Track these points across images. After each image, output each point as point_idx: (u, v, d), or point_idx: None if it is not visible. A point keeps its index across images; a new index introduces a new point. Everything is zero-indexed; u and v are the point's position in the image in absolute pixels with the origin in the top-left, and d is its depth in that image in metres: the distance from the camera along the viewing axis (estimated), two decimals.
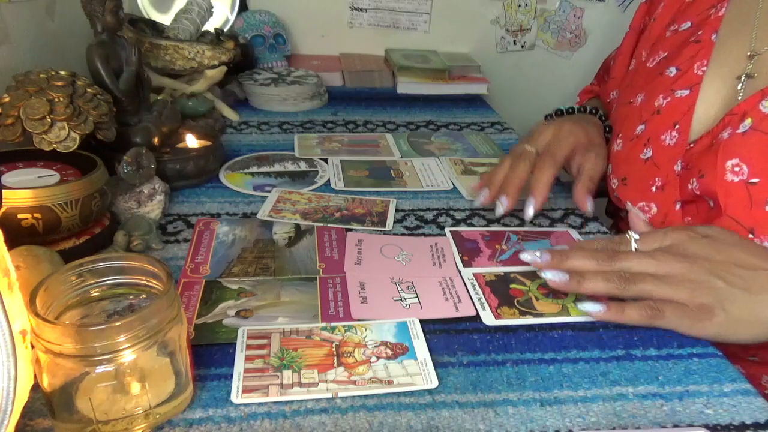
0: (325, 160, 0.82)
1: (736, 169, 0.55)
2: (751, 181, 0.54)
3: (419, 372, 0.44)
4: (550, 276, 0.51)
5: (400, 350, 0.46)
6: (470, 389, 0.43)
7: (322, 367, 0.44)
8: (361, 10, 1.31)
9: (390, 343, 0.47)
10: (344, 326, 0.49)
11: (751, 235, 0.53)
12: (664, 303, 0.48)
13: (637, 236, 0.53)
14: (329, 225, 0.65)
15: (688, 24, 0.68)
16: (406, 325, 0.49)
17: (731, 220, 0.54)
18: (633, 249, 0.52)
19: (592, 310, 0.50)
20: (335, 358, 0.45)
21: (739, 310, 0.47)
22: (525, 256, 0.53)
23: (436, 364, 0.45)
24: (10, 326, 0.30)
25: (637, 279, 0.49)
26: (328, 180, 0.76)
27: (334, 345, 0.47)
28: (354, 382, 0.43)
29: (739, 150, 0.55)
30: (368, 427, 0.40)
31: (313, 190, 0.73)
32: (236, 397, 0.41)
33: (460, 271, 0.58)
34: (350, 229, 0.64)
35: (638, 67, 0.74)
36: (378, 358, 0.45)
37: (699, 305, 0.48)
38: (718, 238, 0.51)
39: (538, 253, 0.53)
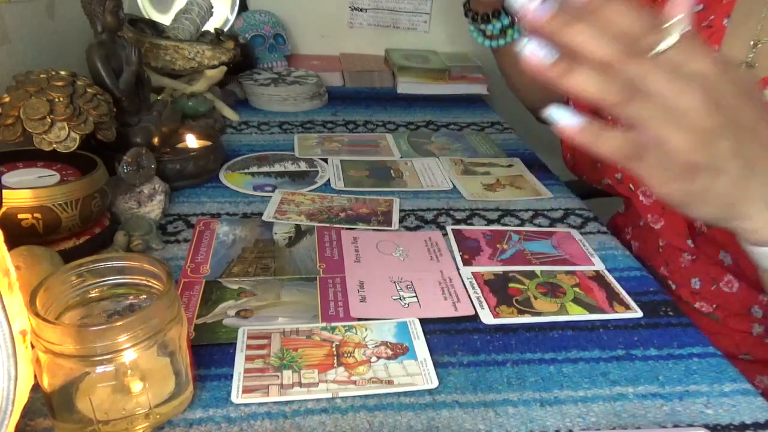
0: (325, 160, 0.82)
1: None
2: None
3: (419, 372, 0.44)
4: (530, 49, 0.36)
5: (400, 350, 0.46)
6: (470, 389, 0.43)
7: (323, 367, 0.44)
8: (361, 10, 1.30)
9: (390, 343, 0.47)
10: (344, 326, 0.49)
11: None
12: (654, 146, 0.36)
13: (681, 32, 0.35)
14: (335, 225, 0.65)
15: (700, 6, 0.66)
16: (406, 325, 0.49)
17: None
18: (663, 48, 0.35)
19: (565, 121, 0.36)
20: (335, 358, 0.45)
21: (727, 185, 0.37)
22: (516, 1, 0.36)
23: (436, 364, 0.45)
24: (10, 326, 0.30)
25: (642, 99, 0.35)
26: (328, 180, 0.76)
27: (334, 345, 0.47)
28: (354, 382, 0.43)
29: None
30: (368, 427, 0.40)
31: (313, 190, 0.73)
32: (236, 397, 0.41)
33: (459, 270, 0.58)
34: (358, 229, 0.64)
35: None
36: (378, 358, 0.45)
37: (688, 162, 0.36)
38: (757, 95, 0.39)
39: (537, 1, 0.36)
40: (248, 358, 0.45)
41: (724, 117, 0.36)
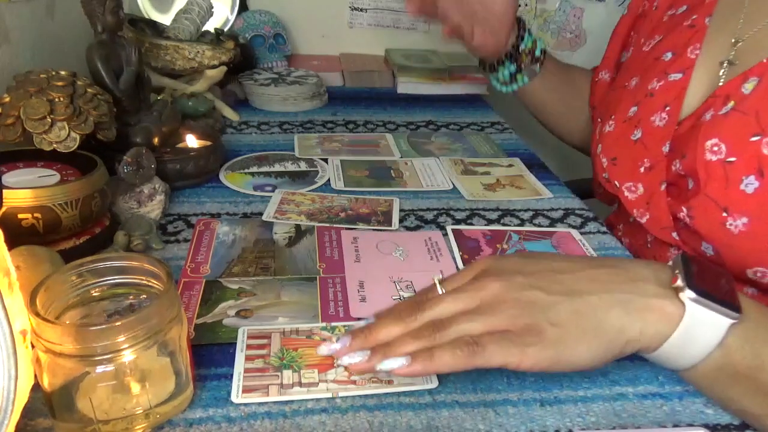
0: (325, 160, 0.82)
1: (715, 148, 0.55)
2: (728, 160, 0.55)
3: None
4: (346, 361, 0.41)
5: None
6: (470, 389, 0.43)
7: (323, 367, 0.44)
8: (361, 10, 1.31)
9: None
10: (344, 326, 0.49)
11: (725, 214, 0.54)
12: (483, 336, 0.40)
13: (439, 277, 0.46)
14: (335, 225, 0.65)
15: (684, 7, 0.69)
16: None
17: (708, 199, 0.55)
18: (440, 293, 0.44)
19: (394, 366, 0.39)
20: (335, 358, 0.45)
21: (568, 317, 0.40)
22: (322, 350, 0.42)
23: None
24: (10, 326, 0.30)
25: (450, 322, 0.41)
26: (328, 180, 0.76)
27: None
28: (354, 382, 0.43)
29: (718, 130, 0.56)
30: (368, 426, 0.40)
31: (313, 190, 0.73)
32: (236, 396, 0.41)
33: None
34: (358, 229, 0.64)
35: (636, 53, 0.74)
36: None
37: (523, 327, 0.40)
38: (528, 254, 0.48)
39: (335, 340, 0.42)
40: (248, 358, 0.45)
41: (517, 277, 0.42)
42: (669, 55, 0.66)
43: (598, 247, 0.63)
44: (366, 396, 0.42)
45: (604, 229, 0.68)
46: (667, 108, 0.63)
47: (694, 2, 0.68)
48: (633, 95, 0.68)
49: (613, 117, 0.70)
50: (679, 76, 0.63)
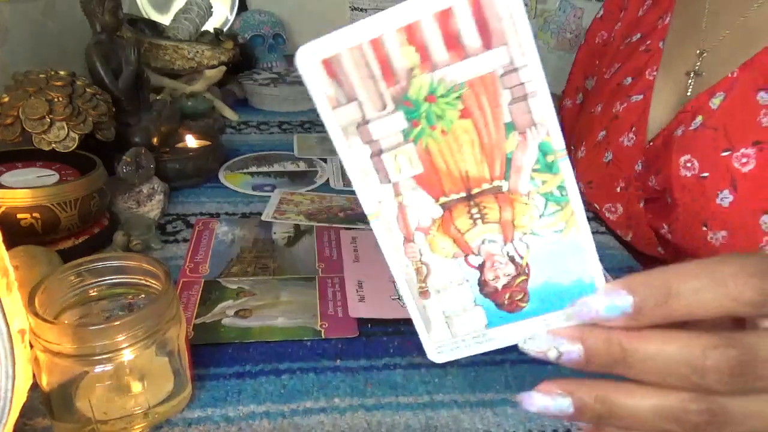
0: (325, 160, 0.82)
1: (688, 164, 0.57)
2: (702, 175, 0.56)
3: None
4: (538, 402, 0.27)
5: None
6: (469, 389, 0.43)
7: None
8: (361, 10, 1.31)
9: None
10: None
11: (705, 228, 0.55)
12: None
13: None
14: (334, 225, 0.65)
15: (638, 35, 0.71)
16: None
17: (687, 214, 0.57)
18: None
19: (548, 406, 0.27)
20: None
21: None
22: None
23: (434, 364, 0.45)
24: (8, 326, 0.30)
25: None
26: (327, 180, 0.76)
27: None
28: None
29: (690, 146, 0.57)
30: (366, 426, 0.40)
31: (312, 190, 0.73)
32: None
33: None
34: (357, 229, 0.64)
35: (599, 82, 0.78)
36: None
37: None
38: None
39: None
40: None
41: None
42: (629, 79, 0.68)
43: (597, 247, 0.63)
44: (364, 396, 0.42)
45: (603, 229, 0.68)
46: (633, 128, 0.65)
47: (648, 29, 0.70)
48: (600, 120, 0.71)
49: (583, 143, 0.72)
50: (640, 97, 0.66)
